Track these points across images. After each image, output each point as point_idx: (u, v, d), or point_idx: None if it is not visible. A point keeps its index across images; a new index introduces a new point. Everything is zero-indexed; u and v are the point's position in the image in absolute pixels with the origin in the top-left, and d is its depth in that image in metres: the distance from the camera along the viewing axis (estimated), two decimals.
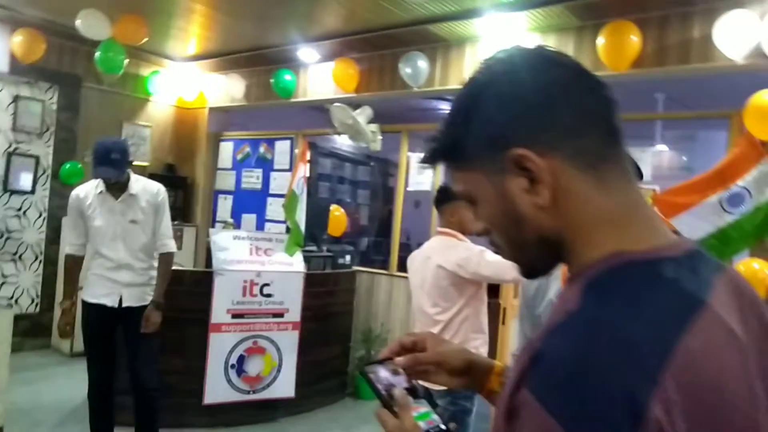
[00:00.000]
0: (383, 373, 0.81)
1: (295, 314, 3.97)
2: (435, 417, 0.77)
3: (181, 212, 5.80)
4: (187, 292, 3.70)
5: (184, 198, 5.94)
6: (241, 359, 3.79)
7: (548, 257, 0.62)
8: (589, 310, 0.51)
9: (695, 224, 3.09)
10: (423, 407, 0.78)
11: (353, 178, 7.85)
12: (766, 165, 3.04)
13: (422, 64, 4.25)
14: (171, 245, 3.03)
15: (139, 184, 2.97)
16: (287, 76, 5.11)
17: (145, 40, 4.56)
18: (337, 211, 4.88)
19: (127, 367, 2.96)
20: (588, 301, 0.53)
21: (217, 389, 3.70)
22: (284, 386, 3.94)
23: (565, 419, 0.45)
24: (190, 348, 3.68)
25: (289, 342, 3.96)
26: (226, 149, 5.98)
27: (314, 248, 4.60)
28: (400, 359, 0.83)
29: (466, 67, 4.16)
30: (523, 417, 0.48)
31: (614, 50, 3.34)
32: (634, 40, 3.32)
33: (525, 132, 0.58)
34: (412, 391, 0.80)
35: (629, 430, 0.44)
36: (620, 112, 0.61)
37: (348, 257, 4.69)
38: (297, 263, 4.06)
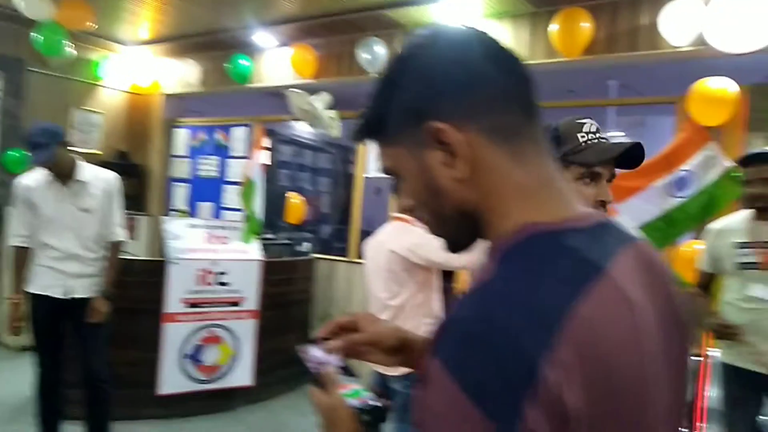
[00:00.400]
0: (317, 353, 0.82)
1: (252, 302, 3.93)
2: (367, 394, 0.78)
3: (135, 201, 5.64)
4: (140, 283, 3.62)
5: (138, 186, 5.78)
6: (197, 349, 3.73)
7: (469, 231, 0.63)
8: (497, 280, 0.53)
9: (643, 208, 3.18)
10: (355, 385, 0.79)
11: (314, 166, 7.79)
12: (709, 149, 3.15)
13: (380, 49, 4.23)
14: (120, 234, 2.95)
15: (88, 171, 2.87)
16: (244, 62, 5.01)
17: (92, 24, 4.39)
18: (295, 199, 4.83)
19: (77, 359, 2.88)
20: (499, 271, 0.54)
21: (171, 380, 3.64)
22: (242, 375, 3.91)
23: (467, 383, 0.46)
24: (144, 339, 3.61)
25: (246, 330, 3.92)
26: (181, 136, 5.84)
27: (272, 236, 4.55)
28: (333, 341, 0.84)
29: None
30: (431, 383, 0.49)
31: (567, 37, 3.39)
32: (586, 26, 3.37)
33: (443, 106, 0.58)
34: (346, 371, 0.81)
35: (526, 392, 0.45)
36: (538, 90, 0.63)
37: (307, 245, 4.66)
38: (254, 251, 4.02)
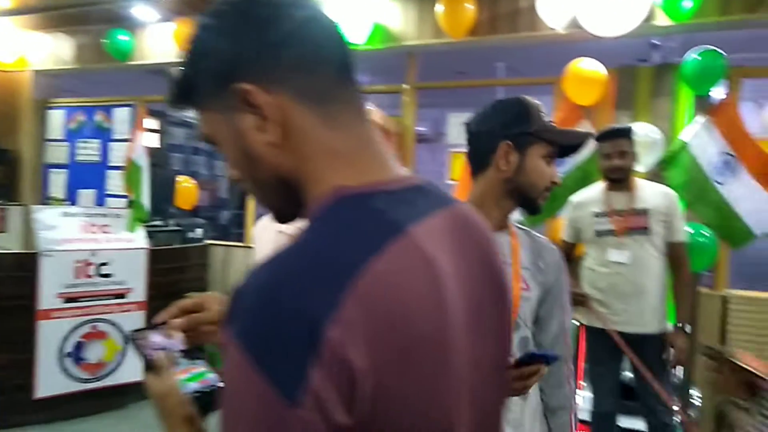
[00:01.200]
0: (155, 338, 0.79)
1: (139, 294, 3.72)
2: (212, 376, 0.76)
3: (5, 190, 5.13)
4: (8, 278, 3.31)
5: (8, 174, 5.25)
6: (78, 346, 3.48)
7: (291, 198, 0.61)
8: (293, 245, 0.52)
9: None
10: (199, 368, 0.77)
11: (210, 149, 7.47)
12: (584, 127, 3.35)
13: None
14: None
15: None
16: (123, 37, 4.67)
17: None
18: (186, 183, 4.61)
19: None
20: (300, 236, 0.53)
21: (50, 381, 3.37)
22: (132, 370, 3.70)
23: (254, 353, 0.45)
24: (16, 339, 3.31)
25: (133, 323, 3.69)
26: (56, 118, 5.35)
27: (161, 223, 4.32)
28: (175, 321, 0.81)
29: None
30: (227, 353, 0.48)
31: (452, 18, 3.45)
32: (470, 8, 3.45)
33: (251, 67, 0.57)
34: (190, 353, 0.79)
35: (311, 355, 0.44)
36: (352, 54, 0.62)
37: (200, 231, 4.47)
38: (139, 239, 3.79)
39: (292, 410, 0.44)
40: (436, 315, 0.52)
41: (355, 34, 3.82)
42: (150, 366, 0.75)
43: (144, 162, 3.99)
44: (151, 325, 0.82)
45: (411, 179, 0.62)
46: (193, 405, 0.71)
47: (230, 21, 0.58)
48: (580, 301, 2.65)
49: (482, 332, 0.61)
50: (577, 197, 2.82)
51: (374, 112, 3.76)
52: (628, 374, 2.76)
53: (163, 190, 4.46)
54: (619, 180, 2.61)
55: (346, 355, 0.45)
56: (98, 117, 5.18)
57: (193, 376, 0.75)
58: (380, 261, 0.49)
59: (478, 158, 1.35)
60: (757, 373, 1.28)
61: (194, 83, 0.60)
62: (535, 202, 1.33)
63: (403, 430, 0.50)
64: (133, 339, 0.80)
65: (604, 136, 2.62)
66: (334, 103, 0.59)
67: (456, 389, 0.55)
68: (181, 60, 0.62)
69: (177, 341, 0.80)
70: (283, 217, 0.66)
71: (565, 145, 1.32)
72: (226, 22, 0.58)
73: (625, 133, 2.59)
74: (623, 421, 2.86)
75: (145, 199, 3.96)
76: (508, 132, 1.30)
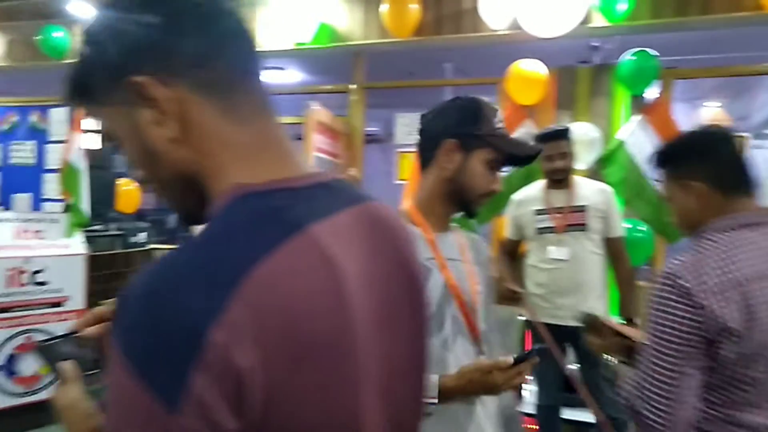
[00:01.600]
0: (65, 348, 0.76)
1: (77, 302, 3.56)
2: None
3: None
4: None
5: None
6: (11, 359, 3.31)
7: (195, 197, 0.59)
8: (183, 247, 0.50)
9: None
10: None
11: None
12: (526, 127, 3.42)
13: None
14: None
15: None
16: (57, 33, 4.47)
17: None
18: (127, 186, 4.46)
19: None
20: (194, 237, 0.51)
21: None
22: None
23: (133, 355, 0.44)
24: None
25: None
26: None
27: (101, 227, 4.16)
28: (89, 329, 0.77)
29: (257, 28, 4.01)
30: (112, 363, 0.46)
31: (397, 18, 3.46)
32: (415, 8, 3.47)
33: (147, 59, 0.54)
34: (102, 363, 0.75)
35: (190, 357, 0.43)
36: (256, 48, 0.60)
37: (143, 235, 4.33)
38: (77, 245, 3.64)
39: (172, 418, 0.42)
40: (335, 314, 0.51)
41: (301, 33, 3.77)
42: (59, 376, 0.72)
43: (82, 164, 3.83)
44: (62, 335, 0.78)
45: (318, 176, 0.61)
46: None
47: (126, 11, 0.56)
48: (512, 296, 2.70)
49: (395, 331, 0.61)
50: (518, 195, 2.88)
51: (321, 111, 3.74)
52: (573, 367, 2.83)
53: (104, 193, 4.30)
54: (560, 180, 2.68)
55: (232, 358, 0.43)
56: (33, 117, 4.94)
57: (104, 387, 0.72)
58: (273, 260, 0.48)
59: (425, 153, 1.33)
60: (630, 336, 1.44)
61: (90, 77, 0.58)
62: (471, 206, 1.31)
63: (305, 430, 0.49)
64: (40, 349, 0.76)
65: (544, 138, 2.68)
66: (237, 97, 0.57)
67: (364, 389, 0.54)
68: (79, 55, 0.59)
69: (89, 351, 0.76)
70: (190, 217, 0.63)
71: (511, 154, 1.28)
72: (122, 13, 0.56)
73: (565, 134, 2.66)
74: (569, 414, 2.93)
75: (84, 203, 3.81)
76: (456, 130, 1.27)
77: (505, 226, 2.96)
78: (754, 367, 1.15)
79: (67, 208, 3.84)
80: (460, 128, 1.27)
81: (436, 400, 1.20)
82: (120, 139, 0.60)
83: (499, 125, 1.29)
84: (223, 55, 0.56)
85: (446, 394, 1.22)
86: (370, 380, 0.55)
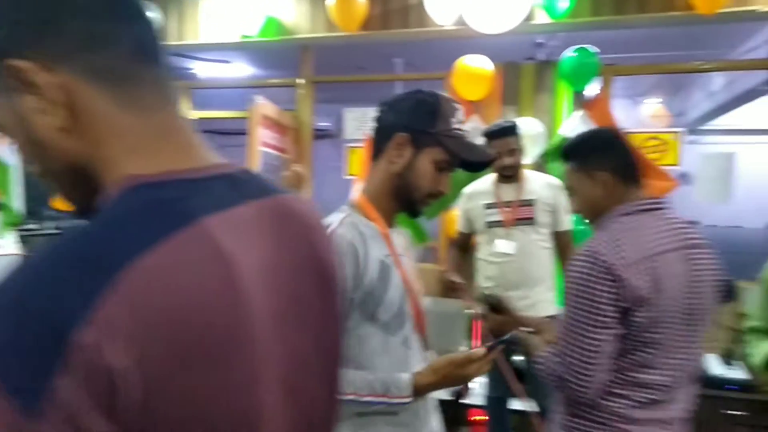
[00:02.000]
0: None
1: None
2: None
3: None
4: None
5: None
6: None
7: (87, 189, 0.56)
8: (62, 239, 0.47)
9: None
10: None
11: None
12: (473, 122, 3.45)
13: (153, 15, 3.87)
14: None
15: None
16: None
17: None
18: None
19: None
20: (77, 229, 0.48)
21: None
22: None
23: None
24: None
25: None
26: None
27: (36, 226, 3.98)
28: None
29: (202, 21, 3.91)
30: None
31: (344, 11, 3.43)
32: (362, 2, 3.45)
33: (30, 43, 0.51)
34: None
35: (53, 359, 0.40)
36: (158, 33, 0.58)
37: None
38: (9, 245, 3.47)
39: (34, 423, 0.40)
40: (227, 308, 0.49)
41: (248, 26, 3.70)
42: None
43: (13, 160, 3.65)
44: None
45: (222, 168, 0.58)
46: None
47: None
48: (452, 287, 2.73)
49: (303, 327, 0.59)
50: (469, 189, 2.90)
51: (266, 105, 3.68)
52: (521, 358, 2.89)
53: (39, 190, 4.11)
54: (510, 175, 2.72)
55: (103, 358, 0.41)
56: None
57: None
58: (158, 253, 0.46)
59: (378, 144, 1.30)
60: (521, 315, 1.67)
61: None
62: (416, 205, 1.28)
63: (194, 429, 0.47)
64: None
65: (492, 135, 2.70)
66: (133, 85, 0.54)
67: (265, 386, 0.52)
68: None
69: None
70: (84, 210, 0.60)
71: (462, 158, 1.25)
72: None
73: (512, 131, 2.68)
74: (517, 404, 2.99)
75: (17, 201, 3.63)
76: (410, 125, 1.23)
77: (457, 219, 2.98)
78: (658, 330, 1.33)
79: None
80: (414, 123, 1.23)
81: (410, 399, 1.20)
82: (7, 128, 0.56)
83: (457, 125, 1.25)
84: (119, 40, 0.53)
85: (421, 392, 1.22)
86: (272, 377, 0.53)
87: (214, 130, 7.08)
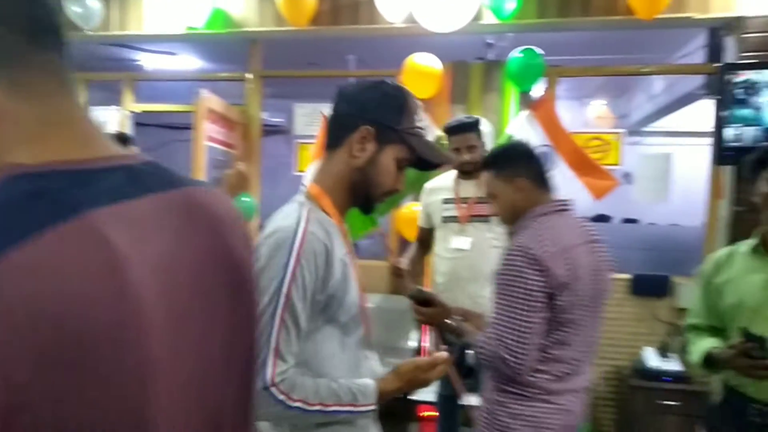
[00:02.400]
0: None
1: None
2: None
3: None
4: None
5: None
6: None
7: None
8: None
9: None
10: None
11: None
12: (424, 120, 3.47)
13: (94, 3, 3.71)
14: None
15: None
16: None
17: None
18: None
19: None
20: None
21: None
22: None
23: None
24: None
25: None
26: None
27: None
28: None
29: (146, 10, 3.78)
30: None
31: (293, 6, 3.38)
32: None
33: None
34: None
35: None
36: (58, 16, 0.54)
37: None
38: None
39: None
40: (112, 305, 0.46)
41: (194, 17, 3.60)
42: None
43: None
44: None
45: (120, 159, 0.55)
46: None
47: None
48: (396, 272, 2.75)
49: (208, 325, 0.57)
50: (430, 184, 2.88)
51: (212, 99, 3.58)
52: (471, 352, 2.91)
53: None
54: (470, 171, 2.70)
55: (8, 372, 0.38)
56: None
57: None
58: (34, 246, 0.42)
59: (336, 132, 1.23)
60: (449, 305, 1.79)
61: None
62: (371, 202, 1.25)
63: (83, 429, 0.44)
64: None
65: (452, 130, 2.67)
66: (25, 69, 0.51)
67: (160, 386, 0.49)
68: None
69: None
70: None
71: (424, 158, 1.23)
72: None
73: (473, 127, 2.64)
74: (467, 399, 3.01)
75: None
76: (376, 119, 1.18)
77: (419, 214, 2.98)
78: (574, 311, 1.55)
79: None
80: (380, 117, 1.18)
81: (375, 406, 1.19)
82: None
83: (419, 123, 1.24)
84: (6, 21, 0.50)
85: (385, 398, 1.21)
86: (168, 377, 0.51)
87: (161, 124, 6.88)
